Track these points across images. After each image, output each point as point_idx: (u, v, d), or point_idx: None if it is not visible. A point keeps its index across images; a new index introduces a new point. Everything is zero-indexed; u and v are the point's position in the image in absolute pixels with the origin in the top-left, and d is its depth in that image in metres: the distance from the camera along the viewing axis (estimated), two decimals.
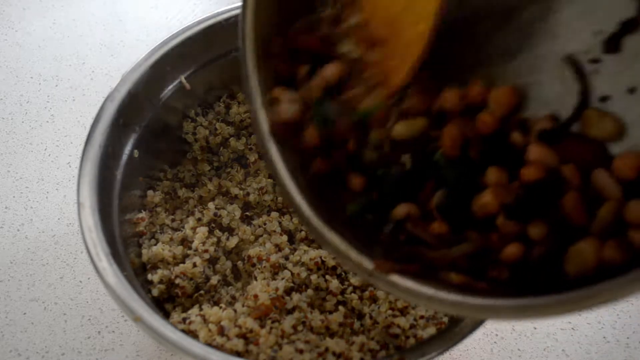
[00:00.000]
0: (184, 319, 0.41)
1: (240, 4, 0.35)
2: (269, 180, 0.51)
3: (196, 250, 0.46)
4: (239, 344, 0.39)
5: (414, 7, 0.32)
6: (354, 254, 0.33)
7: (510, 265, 0.30)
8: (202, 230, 0.46)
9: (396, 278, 0.31)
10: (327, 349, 0.39)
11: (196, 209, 0.49)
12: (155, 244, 0.46)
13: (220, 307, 0.42)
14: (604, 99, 0.29)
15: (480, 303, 0.28)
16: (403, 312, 0.41)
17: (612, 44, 0.29)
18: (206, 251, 0.46)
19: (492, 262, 0.30)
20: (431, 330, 0.40)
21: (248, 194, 0.51)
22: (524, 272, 0.29)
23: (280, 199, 0.51)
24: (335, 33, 0.35)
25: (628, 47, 0.28)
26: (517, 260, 0.29)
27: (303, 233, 0.49)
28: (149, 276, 0.44)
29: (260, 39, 0.36)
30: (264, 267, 0.45)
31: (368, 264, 0.32)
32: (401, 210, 0.33)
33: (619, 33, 0.29)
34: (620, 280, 0.23)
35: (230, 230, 0.49)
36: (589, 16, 0.29)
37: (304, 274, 0.44)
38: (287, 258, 0.46)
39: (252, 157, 0.53)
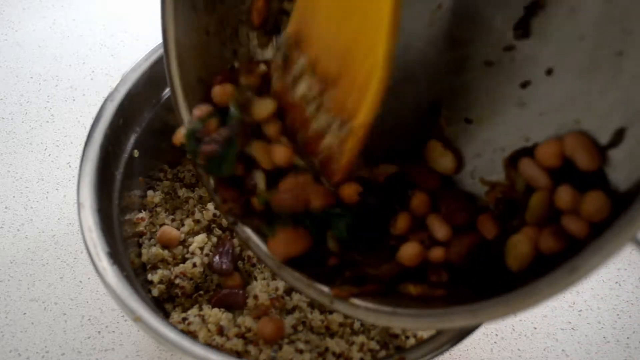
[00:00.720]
0: (184, 319, 0.41)
1: None
2: None
3: (193, 254, 0.46)
4: (238, 344, 0.39)
5: (363, 34, 0.29)
6: (315, 284, 0.34)
7: (442, 266, 0.31)
8: (201, 237, 0.46)
9: (356, 301, 0.32)
10: (327, 349, 0.39)
11: (196, 209, 0.49)
12: (155, 244, 0.46)
13: (220, 308, 0.42)
14: (524, 84, 0.30)
15: (436, 312, 0.28)
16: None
17: (522, 29, 0.29)
18: (207, 255, 0.46)
19: (430, 268, 0.31)
20: (431, 330, 0.40)
21: None
22: (464, 273, 0.30)
23: None
24: (287, 77, 0.33)
25: (537, 29, 0.29)
26: (443, 261, 0.30)
27: None
28: (149, 276, 0.44)
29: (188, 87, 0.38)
30: (264, 267, 0.45)
31: (327, 290, 0.33)
32: (332, 244, 0.34)
33: (525, 17, 0.29)
34: (558, 273, 0.23)
35: (230, 231, 0.49)
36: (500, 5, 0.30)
37: None
38: None
39: None
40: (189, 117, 0.37)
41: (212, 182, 0.38)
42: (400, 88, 0.33)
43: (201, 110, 0.36)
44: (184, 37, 0.36)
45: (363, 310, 0.31)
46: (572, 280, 0.23)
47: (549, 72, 0.29)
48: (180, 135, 0.36)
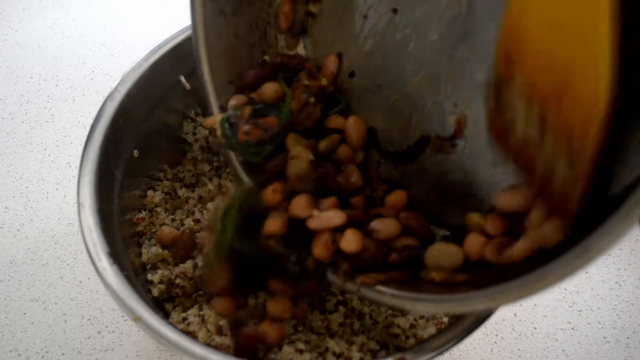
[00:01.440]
0: (184, 319, 0.41)
1: None
2: None
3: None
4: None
5: (583, 52, 0.26)
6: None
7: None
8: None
9: (382, 288, 0.34)
10: (327, 349, 0.39)
11: (196, 209, 0.49)
12: (155, 244, 0.46)
13: None
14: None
15: (457, 297, 0.30)
16: (403, 312, 0.41)
17: None
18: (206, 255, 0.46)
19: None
20: (431, 330, 0.40)
21: None
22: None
23: None
24: (505, 96, 0.31)
25: None
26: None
27: None
28: (149, 276, 0.44)
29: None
30: None
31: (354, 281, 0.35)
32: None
33: None
34: (569, 256, 0.24)
35: None
36: None
37: None
38: None
39: None
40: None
41: (237, 164, 0.41)
42: (421, 82, 0.35)
43: (237, 99, 0.39)
44: (215, 42, 0.38)
45: (389, 296, 0.33)
46: (584, 262, 0.24)
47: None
48: (214, 120, 0.39)
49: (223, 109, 0.40)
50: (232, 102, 0.39)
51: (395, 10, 0.36)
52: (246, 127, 0.37)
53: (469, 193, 0.36)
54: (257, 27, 0.39)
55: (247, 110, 0.38)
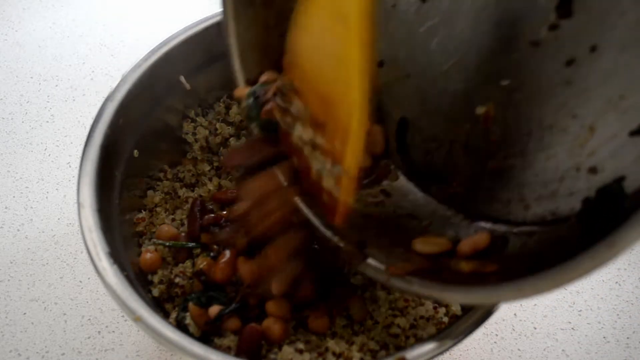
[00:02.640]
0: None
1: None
2: None
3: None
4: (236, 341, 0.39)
5: (340, 77, 0.30)
6: (372, 262, 0.37)
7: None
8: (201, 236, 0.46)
9: (410, 278, 0.34)
10: (327, 349, 0.39)
11: None
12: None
13: None
14: (569, 62, 0.31)
15: (485, 288, 0.30)
16: (403, 312, 0.41)
17: (564, 8, 0.30)
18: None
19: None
20: (431, 330, 0.40)
21: None
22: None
23: None
24: (286, 120, 0.36)
25: (579, 7, 0.30)
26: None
27: None
28: (149, 276, 0.44)
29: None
30: None
31: (384, 268, 0.36)
32: None
33: None
34: (597, 248, 0.25)
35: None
36: None
37: None
38: None
39: None
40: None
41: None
42: (450, 72, 0.35)
43: (268, 75, 0.40)
44: (245, 32, 0.38)
45: (417, 286, 0.34)
46: (611, 255, 0.24)
47: (593, 49, 0.30)
48: (242, 91, 0.40)
49: (250, 82, 0.41)
50: (264, 77, 0.40)
51: (424, 0, 0.36)
52: (268, 106, 0.38)
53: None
54: (288, 17, 0.39)
55: (274, 88, 0.38)
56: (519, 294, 0.28)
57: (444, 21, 0.36)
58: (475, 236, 0.35)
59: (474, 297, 0.31)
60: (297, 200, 0.38)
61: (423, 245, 0.36)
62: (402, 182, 0.41)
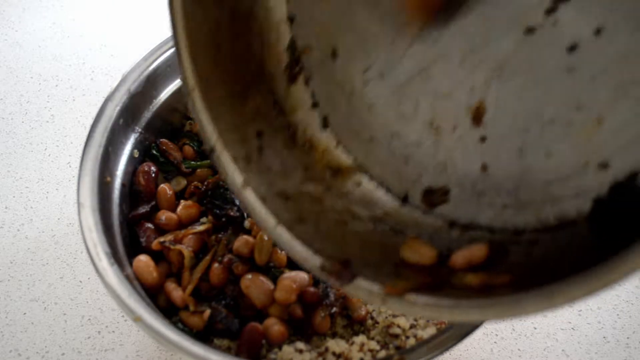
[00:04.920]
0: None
1: None
2: None
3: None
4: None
5: None
6: (362, 282, 0.31)
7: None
8: None
9: (412, 297, 0.29)
10: (327, 349, 0.39)
11: None
12: None
13: None
14: (572, 48, 0.28)
15: (504, 300, 0.26)
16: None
17: None
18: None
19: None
20: (431, 330, 0.40)
21: None
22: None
23: None
24: None
25: None
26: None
27: None
28: None
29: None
30: None
31: (378, 288, 0.30)
32: None
33: None
34: (634, 248, 0.22)
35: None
36: None
37: None
38: None
39: None
40: (207, 116, 0.35)
41: None
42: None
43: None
44: (195, 34, 0.35)
45: (421, 307, 0.29)
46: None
47: (598, 31, 0.27)
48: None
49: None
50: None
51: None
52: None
53: None
54: (240, 17, 0.36)
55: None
56: (547, 303, 0.24)
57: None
58: (470, 247, 0.31)
59: (495, 311, 0.26)
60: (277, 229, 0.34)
61: (412, 252, 0.32)
62: (369, 188, 0.38)
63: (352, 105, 0.37)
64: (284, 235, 0.34)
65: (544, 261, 0.29)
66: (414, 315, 0.31)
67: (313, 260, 0.33)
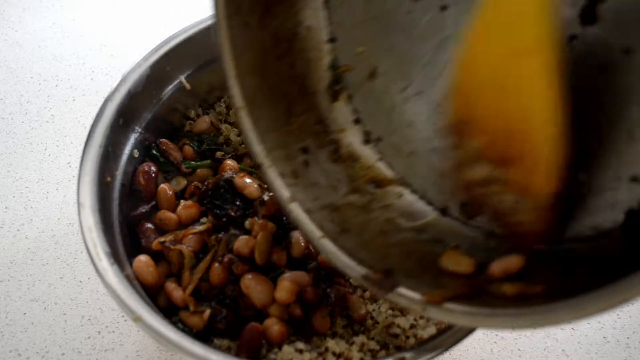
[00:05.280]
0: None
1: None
2: None
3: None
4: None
5: (529, 108, 0.28)
6: (403, 290, 0.33)
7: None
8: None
9: (450, 306, 0.31)
10: (327, 349, 0.39)
11: None
12: None
13: None
14: (602, 68, 0.29)
15: (538, 309, 0.27)
16: (403, 312, 0.41)
17: (589, 15, 0.29)
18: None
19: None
20: (431, 330, 0.40)
21: None
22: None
23: None
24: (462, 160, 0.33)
25: (604, 14, 0.28)
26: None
27: None
28: None
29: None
30: None
31: (419, 297, 0.32)
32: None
33: (592, 2, 0.29)
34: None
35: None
36: None
37: None
38: None
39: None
40: (255, 134, 0.37)
41: None
42: None
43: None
44: (242, 55, 0.36)
45: (459, 314, 0.30)
46: None
47: (627, 51, 0.28)
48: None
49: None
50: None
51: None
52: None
53: None
54: (283, 39, 0.38)
55: None
56: (578, 313, 0.25)
57: None
58: (508, 257, 0.32)
59: (529, 320, 0.27)
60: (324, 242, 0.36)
61: (451, 262, 0.33)
62: (410, 200, 0.39)
63: (392, 121, 0.39)
64: (328, 245, 0.35)
65: (578, 271, 0.29)
66: (452, 322, 0.33)
67: (357, 269, 0.34)
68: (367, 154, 0.41)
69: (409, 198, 0.39)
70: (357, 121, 0.41)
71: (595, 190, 0.30)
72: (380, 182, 0.40)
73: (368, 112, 0.40)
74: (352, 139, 0.41)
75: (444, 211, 0.38)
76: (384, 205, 0.39)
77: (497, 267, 0.31)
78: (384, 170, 0.40)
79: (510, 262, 0.31)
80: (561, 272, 0.30)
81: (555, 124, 0.28)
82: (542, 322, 0.27)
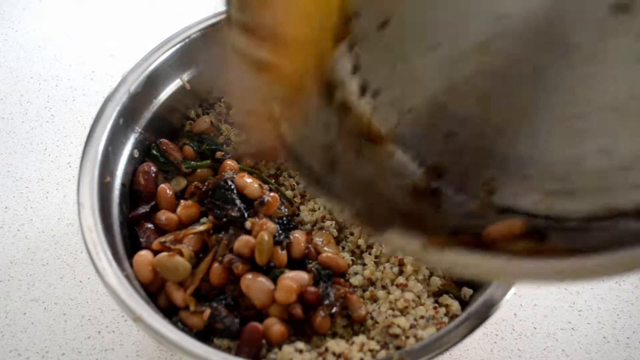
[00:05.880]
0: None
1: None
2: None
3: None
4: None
5: None
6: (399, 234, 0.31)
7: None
8: None
9: (453, 250, 0.28)
10: (327, 349, 0.39)
11: None
12: None
13: None
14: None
15: (571, 262, 0.25)
16: (403, 312, 0.41)
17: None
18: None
19: None
20: (431, 330, 0.40)
21: None
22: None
23: None
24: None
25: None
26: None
27: None
28: None
29: None
30: None
31: (419, 239, 0.30)
32: None
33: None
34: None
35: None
36: None
37: None
38: None
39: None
40: None
41: None
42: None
43: None
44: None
45: (467, 257, 0.28)
46: None
47: None
48: None
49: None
50: None
51: None
52: None
53: None
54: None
55: None
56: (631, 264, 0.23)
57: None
58: (506, 221, 0.30)
59: (559, 270, 0.25)
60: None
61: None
62: (402, 160, 0.37)
63: (397, 74, 0.36)
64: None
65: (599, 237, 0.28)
66: (457, 267, 0.29)
67: (348, 209, 0.32)
68: (363, 106, 0.37)
69: (401, 158, 0.37)
70: (355, 69, 0.37)
71: (615, 167, 0.28)
72: (372, 137, 0.37)
73: (370, 62, 0.37)
74: (349, 87, 0.37)
75: (440, 175, 0.36)
76: (374, 159, 0.37)
77: (496, 230, 0.30)
78: (377, 125, 0.37)
79: (512, 225, 0.30)
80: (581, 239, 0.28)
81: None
82: (585, 275, 0.25)
